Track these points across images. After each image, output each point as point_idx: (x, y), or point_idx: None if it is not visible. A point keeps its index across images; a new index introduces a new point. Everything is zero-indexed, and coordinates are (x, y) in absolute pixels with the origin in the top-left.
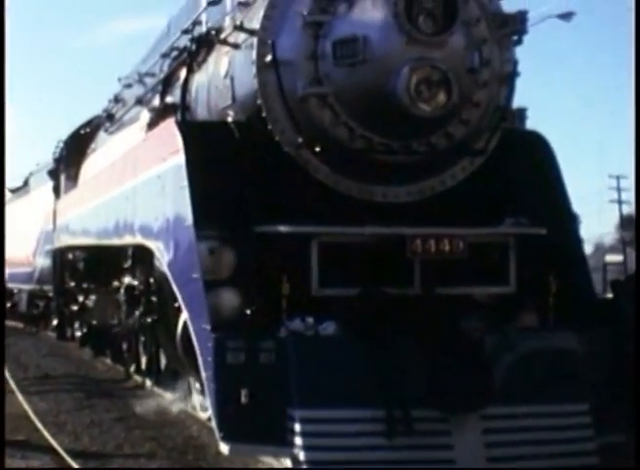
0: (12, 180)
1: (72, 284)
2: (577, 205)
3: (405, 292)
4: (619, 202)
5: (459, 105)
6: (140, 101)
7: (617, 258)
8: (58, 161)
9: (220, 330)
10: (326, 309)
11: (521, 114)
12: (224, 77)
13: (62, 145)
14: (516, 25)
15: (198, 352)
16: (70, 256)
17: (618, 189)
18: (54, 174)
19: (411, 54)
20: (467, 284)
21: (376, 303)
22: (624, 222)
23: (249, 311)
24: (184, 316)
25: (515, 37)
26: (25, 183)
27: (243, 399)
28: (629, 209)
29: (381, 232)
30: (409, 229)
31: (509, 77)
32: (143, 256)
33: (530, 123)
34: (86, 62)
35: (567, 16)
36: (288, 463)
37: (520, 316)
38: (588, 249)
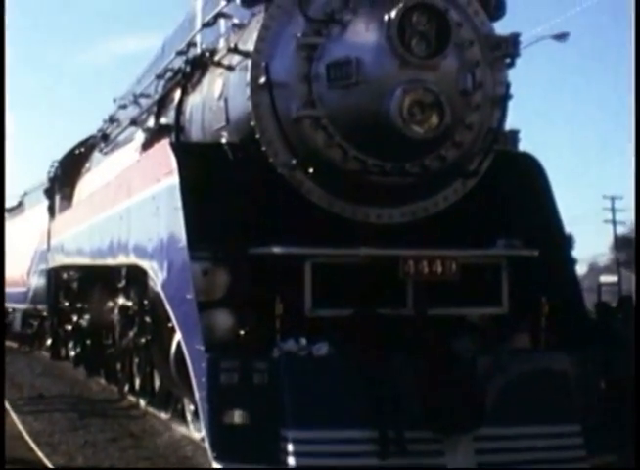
0: (7, 199)
1: (67, 304)
2: (571, 226)
3: (398, 313)
4: (614, 222)
5: (452, 127)
6: (135, 122)
7: (612, 278)
8: (52, 180)
9: (214, 350)
10: (319, 330)
11: (513, 136)
12: (218, 99)
13: (56, 165)
14: (508, 48)
15: (191, 372)
16: (65, 275)
17: (613, 210)
18: (49, 194)
19: (404, 76)
20: (459, 305)
21: (369, 324)
22: (619, 243)
23: (242, 332)
24: (178, 337)
25: (507, 60)
26: (20, 203)
27: (236, 420)
28: (624, 229)
29: (374, 253)
30: (402, 250)
31: (501, 100)
32: (137, 276)
33: (523, 145)
34: (83, 81)
35: (561, 37)
36: None
37: (512, 337)
38: (582, 270)
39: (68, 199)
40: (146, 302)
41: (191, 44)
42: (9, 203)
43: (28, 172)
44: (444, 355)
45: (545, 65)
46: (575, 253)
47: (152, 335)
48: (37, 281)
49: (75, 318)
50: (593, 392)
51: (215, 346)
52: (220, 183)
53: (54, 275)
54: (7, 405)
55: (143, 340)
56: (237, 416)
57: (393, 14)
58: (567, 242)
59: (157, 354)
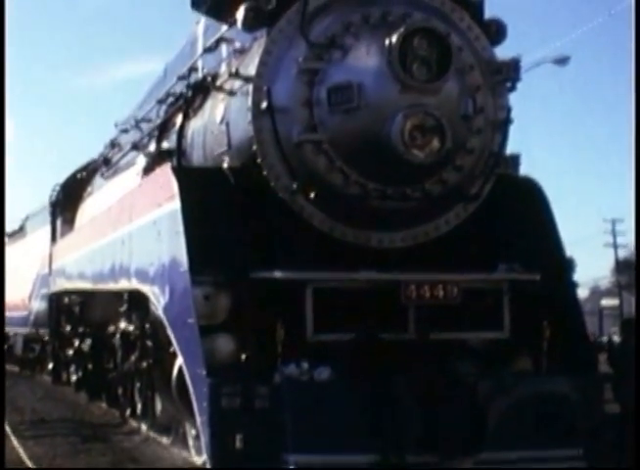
0: (8, 223)
1: (68, 328)
2: (573, 249)
3: (400, 337)
4: (615, 246)
5: (453, 151)
6: (136, 146)
7: (614, 301)
8: (54, 204)
9: (215, 375)
10: (321, 354)
11: (514, 160)
12: (220, 123)
13: (58, 189)
14: (509, 73)
15: (193, 396)
16: (66, 299)
17: (614, 233)
18: (50, 218)
19: (405, 101)
20: (461, 329)
21: (370, 348)
22: (620, 266)
23: (244, 356)
24: (179, 361)
25: (508, 84)
26: (22, 227)
27: (237, 444)
28: (625, 252)
29: (375, 278)
30: (403, 275)
31: (502, 124)
32: (138, 300)
33: (524, 169)
34: (85, 105)
35: (562, 61)
36: None
37: (514, 361)
38: (584, 293)
39: (69, 223)
40: (147, 326)
41: (192, 69)
42: (10, 227)
43: (30, 196)
44: (446, 380)
45: (546, 87)
46: (577, 276)
47: (153, 359)
48: (39, 305)
49: (77, 342)
50: (595, 416)
51: (217, 370)
52: (222, 207)
53: (55, 299)
54: (8, 430)
55: (144, 364)
56: (238, 441)
57: (394, 38)
58: (568, 265)
59: (158, 379)
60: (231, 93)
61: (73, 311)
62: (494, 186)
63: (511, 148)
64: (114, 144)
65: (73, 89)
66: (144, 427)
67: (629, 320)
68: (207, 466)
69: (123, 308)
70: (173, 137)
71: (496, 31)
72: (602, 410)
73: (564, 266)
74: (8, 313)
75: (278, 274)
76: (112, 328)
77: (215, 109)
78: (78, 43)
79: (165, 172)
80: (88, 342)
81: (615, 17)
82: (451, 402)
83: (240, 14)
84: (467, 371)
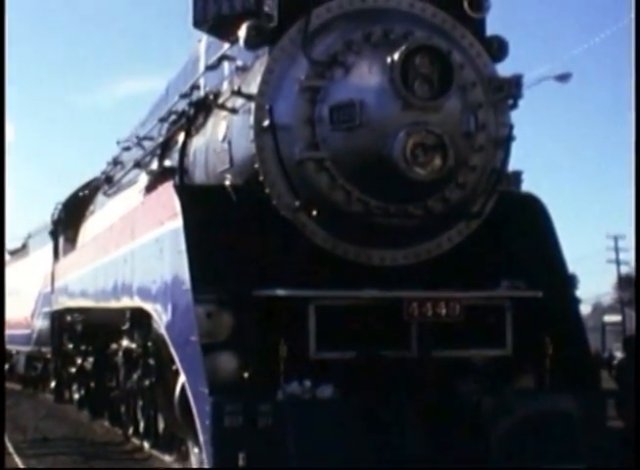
0: (11, 242)
1: (71, 346)
2: (575, 265)
3: (402, 355)
4: (617, 262)
5: (455, 169)
6: (138, 164)
7: (616, 318)
8: (56, 223)
9: (218, 393)
10: (324, 372)
11: (516, 177)
12: (222, 141)
13: (60, 207)
14: (511, 90)
15: (195, 415)
16: (69, 318)
17: (616, 249)
18: (53, 236)
19: (407, 118)
20: (463, 347)
21: (373, 366)
22: (622, 282)
23: (246, 374)
24: (182, 379)
25: (510, 101)
26: (24, 245)
27: (240, 463)
28: (627, 269)
29: (378, 295)
30: (406, 292)
31: (504, 141)
32: (141, 318)
33: (527, 185)
34: (87, 122)
35: (564, 77)
36: None
37: (516, 378)
38: (586, 309)
39: (71, 241)
40: (150, 344)
41: (194, 87)
42: (13, 245)
43: (33, 215)
44: (448, 398)
45: (549, 104)
46: (579, 292)
47: (156, 377)
48: (41, 323)
49: (79, 361)
50: (598, 432)
51: (219, 388)
52: (224, 225)
53: (58, 317)
54: (10, 448)
55: (147, 382)
56: (241, 459)
57: (396, 56)
58: (570, 282)
59: (161, 397)
60: (233, 111)
61: (76, 329)
62: (496, 203)
63: (513, 165)
64: (116, 162)
65: (74, 106)
66: (146, 445)
67: (632, 337)
68: None
69: (126, 326)
70: (175, 155)
71: (498, 48)
72: (605, 427)
73: (566, 283)
74: (10, 331)
75: (280, 292)
76: (114, 346)
77: (217, 127)
78: (79, 60)
79: (168, 190)
80: (90, 360)
81: (616, 34)
82: (454, 421)
83: (242, 32)
84: (469, 389)
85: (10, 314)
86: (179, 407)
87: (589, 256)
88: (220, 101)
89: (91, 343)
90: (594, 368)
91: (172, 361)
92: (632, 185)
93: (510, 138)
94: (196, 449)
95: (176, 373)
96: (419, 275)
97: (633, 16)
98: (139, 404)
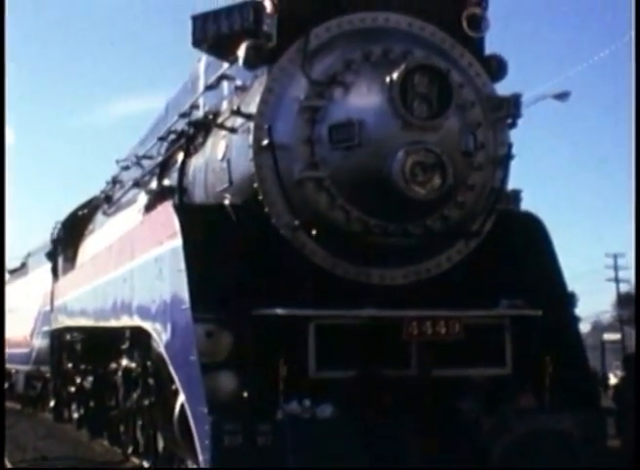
0: (10, 261)
1: (70, 365)
2: (575, 284)
3: (402, 374)
4: (617, 280)
5: (454, 188)
6: (138, 183)
7: (615, 336)
8: (56, 242)
9: (217, 413)
10: (323, 391)
11: (515, 195)
12: (221, 160)
13: (59, 226)
14: (510, 109)
15: (195, 434)
16: (68, 337)
17: (615, 268)
18: (52, 256)
19: (406, 138)
20: (463, 365)
21: (373, 385)
22: (622, 301)
23: (246, 394)
24: (181, 398)
25: (509, 120)
26: (23, 264)
27: None
28: (627, 287)
29: (377, 315)
30: (405, 311)
31: (504, 160)
32: (140, 337)
33: (526, 202)
34: (84, 142)
35: (562, 96)
36: None
37: (516, 397)
38: (586, 327)
39: (71, 260)
40: (149, 363)
41: (194, 106)
42: (12, 264)
43: (32, 234)
44: (448, 416)
45: (548, 122)
46: (579, 311)
47: (155, 397)
48: (40, 342)
49: (79, 380)
50: (598, 451)
51: (219, 408)
52: (223, 244)
53: (57, 336)
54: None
55: (146, 402)
56: None
57: (395, 76)
58: (570, 300)
59: (160, 416)
60: (232, 130)
61: (75, 349)
62: (496, 222)
63: (512, 183)
64: (115, 181)
65: (71, 126)
66: (146, 465)
67: (632, 356)
68: None
69: (125, 346)
70: (175, 174)
71: (497, 67)
72: (605, 446)
73: (566, 301)
74: (10, 350)
75: (280, 311)
76: (113, 365)
77: (217, 146)
78: (76, 79)
79: (167, 210)
80: (90, 379)
81: (615, 52)
82: (453, 440)
83: (241, 52)
84: (469, 408)
85: (9, 333)
86: (179, 427)
87: (588, 274)
88: (219, 120)
89: (90, 362)
90: (594, 387)
91: (172, 381)
92: (632, 202)
93: (509, 157)
94: None
95: (176, 392)
96: (418, 294)
97: (633, 35)
98: (138, 424)
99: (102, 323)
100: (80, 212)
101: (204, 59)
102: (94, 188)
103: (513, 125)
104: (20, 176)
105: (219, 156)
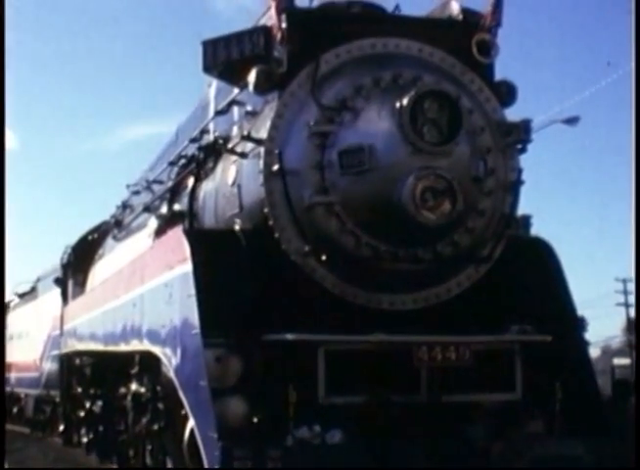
0: (20, 285)
1: (79, 390)
2: (584, 308)
3: (412, 399)
4: (626, 305)
5: (464, 213)
6: (148, 208)
7: (625, 361)
8: (66, 266)
9: (227, 438)
10: (333, 417)
11: (525, 221)
12: (231, 186)
13: (69, 251)
14: (520, 134)
15: (204, 459)
16: (78, 361)
17: (625, 292)
18: (61, 280)
19: (416, 163)
20: (473, 391)
21: (383, 410)
22: (631, 325)
23: (255, 419)
24: (191, 424)
25: (519, 146)
26: (33, 288)
27: None
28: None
29: (387, 340)
30: (415, 337)
31: (513, 186)
32: (150, 362)
33: (536, 228)
34: (95, 167)
35: (572, 121)
36: None
37: (526, 423)
38: (595, 352)
39: (81, 285)
40: (159, 388)
41: (204, 131)
42: (23, 288)
43: (42, 258)
44: (458, 442)
45: (557, 146)
46: (588, 335)
47: (165, 422)
48: (50, 366)
49: (88, 404)
50: None
51: (229, 433)
52: (233, 270)
53: (67, 361)
54: None
55: (156, 427)
56: None
57: (405, 101)
58: (579, 324)
59: (169, 441)
60: (243, 156)
61: (85, 373)
62: (506, 247)
63: (522, 209)
64: (125, 206)
65: (82, 151)
66: None
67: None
68: None
69: (135, 370)
70: (185, 199)
71: (507, 93)
72: None
73: (576, 326)
74: (19, 374)
75: (290, 336)
76: (123, 390)
77: (227, 171)
78: (86, 105)
79: (177, 235)
80: (99, 403)
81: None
82: (463, 466)
83: (251, 77)
84: (478, 434)
85: (19, 357)
86: (188, 452)
87: (598, 298)
88: (230, 145)
89: (100, 386)
90: (604, 412)
91: (181, 406)
92: (632, 228)
93: (519, 182)
94: None
95: (185, 417)
96: (428, 319)
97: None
98: (148, 449)
99: (111, 347)
100: (90, 237)
101: (214, 84)
102: (105, 213)
103: (523, 151)
104: (30, 202)
105: (230, 181)
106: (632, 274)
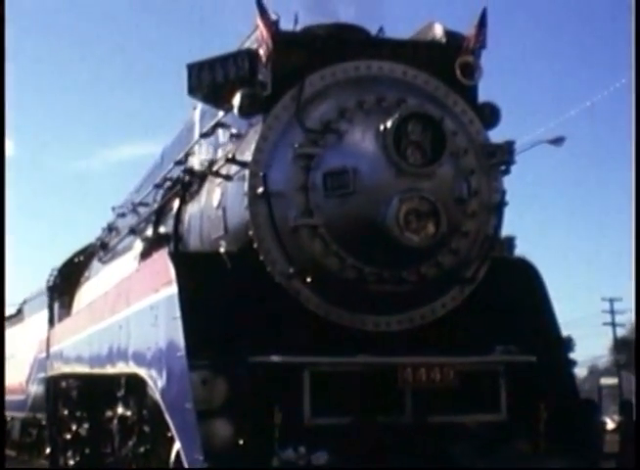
0: (6, 308)
1: (66, 412)
2: (571, 328)
3: (397, 420)
4: (613, 324)
5: (448, 235)
6: (133, 230)
7: (612, 380)
8: (52, 289)
9: (213, 460)
10: (318, 438)
11: (509, 242)
12: (216, 208)
13: (55, 273)
14: (504, 156)
15: None
16: (64, 384)
17: (612, 312)
18: (48, 302)
19: (400, 185)
20: (458, 412)
21: (368, 432)
22: (618, 345)
23: (241, 441)
24: (177, 446)
25: (503, 167)
26: (19, 311)
27: None
28: (623, 331)
29: (371, 361)
30: (400, 358)
31: (497, 207)
32: (136, 384)
33: (522, 249)
34: (80, 189)
35: (558, 141)
36: None
37: (511, 444)
38: (582, 372)
39: (67, 307)
40: (145, 411)
41: (189, 154)
42: (8, 311)
43: (27, 281)
44: (443, 463)
45: (542, 165)
46: (575, 355)
47: (151, 444)
48: (36, 389)
49: (74, 427)
50: None
51: (214, 455)
52: (219, 292)
53: (53, 383)
54: None
55: (142, 449)
56: None
57: (389, 124)
58: (565, 345)
59: (156, 464)
60: (227, 178)
61: (71, 395)
62: (490, 268)
63: (505, 228)
64: (111, 228)
65: (67, 173)
66: None
67: (628, 402)
68: None
69: (121, 393)
70: (170, 222)
71: (490, 114)
72: None
73: (560, 346)
74: (6, 397)
75: (275, 358)
76: (109, 413)
77: (212, 194)
78: (71, 127)
79: (162, 257)
80: (86, 426)
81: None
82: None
83: (236, 100)
84: (464, 454)
85: (5, 380)
86: None
87: (585, 318)
88: (215, 168)
89: (86, 409)
90: (590, 431)
91: (167, 428)
92: (632, 246)
93: (502, 204)
94: None
95: (171, 440)
96: (413, 341)
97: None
98: None
99: (97, 370)
100: (76, 259)
101: (199, 107)
102: (90, 235)
103: (506, 172)
104: (16, 223)
105: (215, 203)
106: (619, 294)
